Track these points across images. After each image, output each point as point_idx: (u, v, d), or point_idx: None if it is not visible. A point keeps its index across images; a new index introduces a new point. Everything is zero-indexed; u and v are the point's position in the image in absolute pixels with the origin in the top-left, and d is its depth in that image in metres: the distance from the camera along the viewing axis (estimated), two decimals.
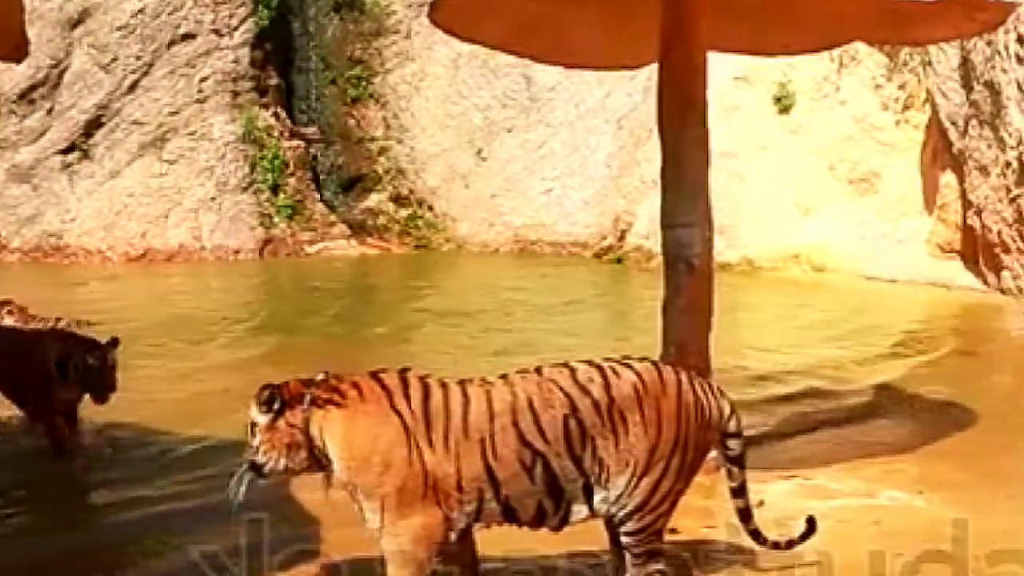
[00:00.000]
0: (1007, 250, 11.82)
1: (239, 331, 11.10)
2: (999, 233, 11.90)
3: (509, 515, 4.01)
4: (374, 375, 4.07)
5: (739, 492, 4.30)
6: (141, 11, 16.67)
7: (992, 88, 11.87)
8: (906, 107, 14.22)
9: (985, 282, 12.25)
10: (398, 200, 17.84)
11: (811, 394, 8.11)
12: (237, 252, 16.56)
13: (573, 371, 4.06)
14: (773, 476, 5.78)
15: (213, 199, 16.76)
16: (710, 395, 4.15)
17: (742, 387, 7.61)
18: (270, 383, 4.05)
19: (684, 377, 4.13)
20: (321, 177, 17.92)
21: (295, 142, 17.59)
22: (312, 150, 17.86)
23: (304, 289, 14.46)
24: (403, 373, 4.08)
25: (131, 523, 5.49)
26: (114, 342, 6.50)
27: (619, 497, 3.98)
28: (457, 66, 17.46)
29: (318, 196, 17.63)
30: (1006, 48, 11.51)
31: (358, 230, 17.65)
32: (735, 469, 4.26)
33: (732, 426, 4.21)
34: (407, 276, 15.95)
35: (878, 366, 9.15)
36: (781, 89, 14.86)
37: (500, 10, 6.42)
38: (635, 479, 3.97)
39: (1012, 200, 11.62)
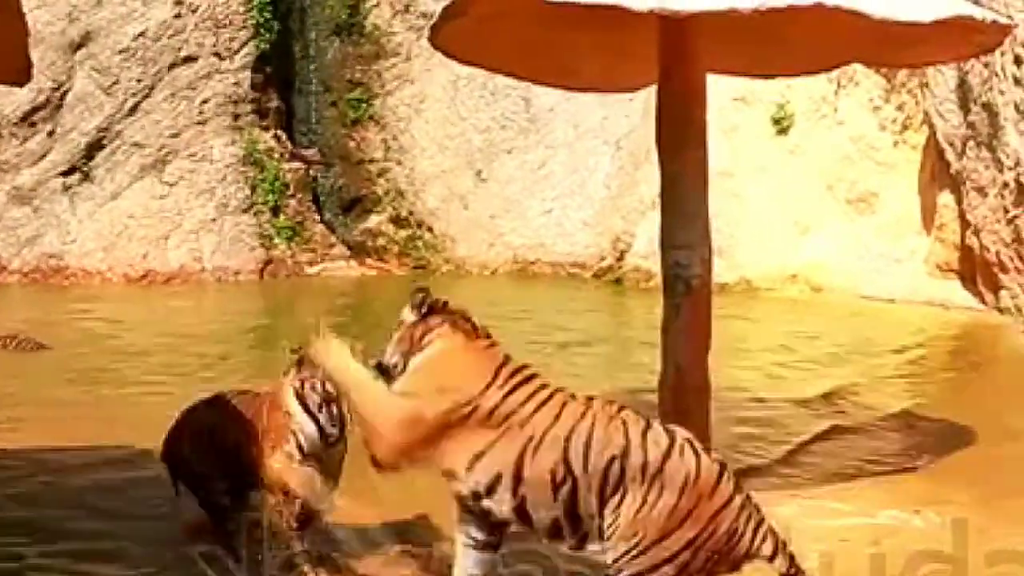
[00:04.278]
0: (1005, 270, 11.84)
1: (248, 352, 11.02)
2: (997, 253, 11.92)
3: (523, 517, 4.02)
4: (494, 344, 4.25)
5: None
6: (142, 34, 16.73)
7: (989, 109, 11.92)
8: (904, 128, 14.27)
9: (983, 301, 12.27)
10: (397, 221, 17.85)
11: (811, 414, 8.12)
12: (237, 273, 16.56)
13: (648, 426, 4.01)
14: (774, 496, 5.79)
15: (213, 220, 16.78)
16: (757, 529, 3.94)
17: (742, 407, 7.63)
18: (424, 286, 4.34)
19: (739, 501, 3.95)
20: (321, 198, 17.94)
21: (295, 164, 17.62)
22: (312, 172, 17.87)
23: (309, 310, 14.43)
24: (510, 360, 4.20)
25: None
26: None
27: (616, 560, 3.92)
28: (456, 88, 17.51)
29: (318, 217, 17.65)
30: (1003, 70, 11.56)
31: (358, 251, 17.66)
32: None
33: (766, 550, 3.94)
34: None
35: (878, 385, 9.17)
36: (779, 110, 14.90)
37: (500, 33, 6.43)
38: (636, 553, 3.90)
39: (1010, 220, 11.65)
